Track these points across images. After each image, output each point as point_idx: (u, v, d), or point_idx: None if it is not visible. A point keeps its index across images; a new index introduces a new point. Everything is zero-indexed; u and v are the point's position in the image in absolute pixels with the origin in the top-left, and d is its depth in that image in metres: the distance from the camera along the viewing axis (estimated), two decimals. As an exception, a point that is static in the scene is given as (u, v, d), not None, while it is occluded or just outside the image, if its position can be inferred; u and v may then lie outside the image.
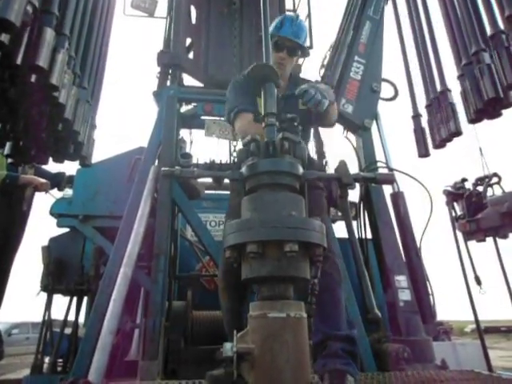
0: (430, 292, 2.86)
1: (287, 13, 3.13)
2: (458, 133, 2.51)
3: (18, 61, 1.40)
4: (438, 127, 2.63)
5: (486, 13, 2.11)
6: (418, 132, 2.98)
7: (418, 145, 2.96)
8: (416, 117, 3.05)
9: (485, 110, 2.17)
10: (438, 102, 2.65)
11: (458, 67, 2.37)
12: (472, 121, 2.30)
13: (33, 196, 3.31)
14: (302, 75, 2.94)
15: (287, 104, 2.08)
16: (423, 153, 2.92)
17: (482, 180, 3.30)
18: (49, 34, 1.50)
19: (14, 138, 1.93)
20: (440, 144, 2.67)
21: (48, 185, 3.19)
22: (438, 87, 2.69)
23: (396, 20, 3.42)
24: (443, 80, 2.66)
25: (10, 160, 2.40)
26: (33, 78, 1.53)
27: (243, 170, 1.25)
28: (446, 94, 2.61)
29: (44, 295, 2.99)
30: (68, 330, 2.94)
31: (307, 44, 2.45)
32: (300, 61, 3.50)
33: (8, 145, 2.01)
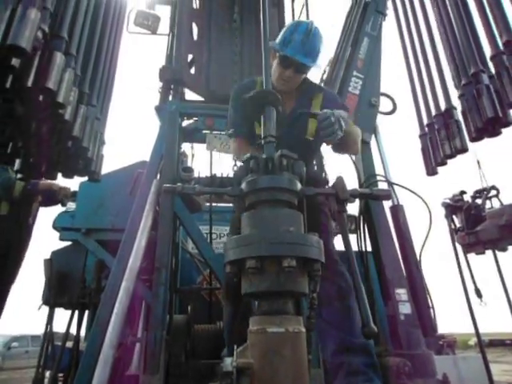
0: (431, 305, 2.86)
1: (301, 20, 2.55)
2: (463, 150, 2.54)
3: (29, 83, 1.46)
4: (442, 143, 2.67)
5: (486, 34, 2.17)
6: (426, 151, 2.99)
7: (425, 164, 2.98)
8: (423, 136, 3.06)
9: (485, 128, 2.22)
10: (443, 118, 2.68)
11: (459, 87, 2.43)
12: (473, 139, 2.35)
13: (38, 209, 3.34)
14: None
15: (297, 120, 1.98)
16: (431, 172, 2.94)
17: (481, 193, 3.33)
18: (59, 57, 1.57)
19: (24, 154, 1.98)
20: (443, 161, 2.70)
21: (69, 190, 3.19)
22: (442, 105, 2.73)
23: (400, 38, 3.48)
24: (448, 98, 2.69)
25: (19, 175, 2.44)
26: (40, 97, 1.59)
27: (243, 186, 1.29)
28: (451, 112, 2.64)
29: (45, 308, 3.00)
30: (69, 344, 2.94)
31: (320, 57, 2.06)
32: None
33: (18, 161, 2.07)
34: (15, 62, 1.37)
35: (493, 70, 2.10)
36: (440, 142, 2.70)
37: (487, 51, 2.17)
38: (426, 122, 2.92)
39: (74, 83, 1.78)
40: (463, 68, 2.34)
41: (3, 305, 3.12)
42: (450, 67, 2.49)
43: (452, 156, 2.62)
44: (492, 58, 2.10)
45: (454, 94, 2.62)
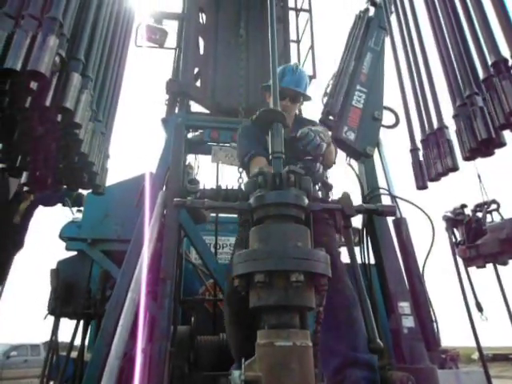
0: (434, 319, 2.86)
1: (287, 64, 3.00)
2: (454, 168, 2.58)
3: (47, 103, 1.52)
4: (434, 161, 2.71)
5: (477, 56, 2.22)
6: (416, 165, 3.04)
7: (415, 177, 3.03)
8: (414, 150, 3.11)
9: (479, 149, 2.26)
10: (436, 137, 2.73)
11: (454, 107, 2.48)
12: (466, 158, 2.39)
13: (31, 209, 3.35)
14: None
15: (292, 145, 2.15)
16: (421, 185, 2.98)
17: (481, 206, 3.35)
18: (76, 78, 1.63)
19: (32, 168, 2.03)
20: (436, 178, 2.74)
21: None
22: (435, 123, 2.78)
23: (394, 57, 3.55)
24: (440, 117, 2.74)
25: (25, 188, 2.48)
26: (58, 117, 1.65)
27: (251, 201, 1.32)
28: (443, 131, 2.69)
29: (49, 318, 3.01)
30: (74, 354, 2.95)
31: (308, 91, 2.63)
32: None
33: (25, 174, 2.11)
34: (33, 85, 1.44)
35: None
36: (432, 160, 2.74)
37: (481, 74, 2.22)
38: (420, 137, 2.97)
39: (89, 104, 1.84)
40: (458, 89, 2.39)
41: None
42: (447, 87, 2.55)
43: (444, 174, 2.65)
44: (484, 81, 2.16)
45: (447, 112, 2.68)
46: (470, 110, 2.25)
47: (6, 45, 1.43)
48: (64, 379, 2.79)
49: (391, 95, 3.73)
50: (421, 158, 3.01)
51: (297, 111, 2.55)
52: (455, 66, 2.44)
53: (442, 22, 2.63)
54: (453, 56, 2.48)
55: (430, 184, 2.91)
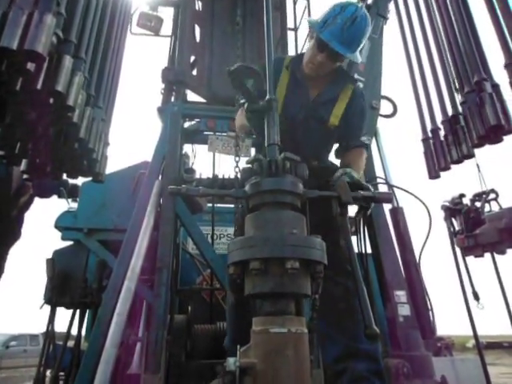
0: (430, 307, 2.88)
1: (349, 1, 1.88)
2: (469, 155, 2.56)
3: (39, 86, 1.48)
4: (449, 149, 2.69)
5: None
6: (428, 155, 3.01)
7: (428, 167, 3.00)
8: (426, 140, 3.08)
9: (487, 136, 2.24)
10: (450, 124, 2.70)
11: (461, 94, 2.46)
12: (475, 146, 2.37)
13: (29, 203, 3.34)
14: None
15: (321, 107, 1.92)
16: (434, 175, 2.96)
17: (480, 196, 3.35)
18: (68, 60, 1.59)
19: (31, 155, 2.01)
20: (447, 166, 2.72)
21: None
22: (449, 110, 2.74)
23: (403, 44, 3.50)
24: (455, 104, 2.70)
25: (25, 176, 2.46)
26: (50, 100, 1.61)
27: (247, 188, 1.31)
28: (458, 118, 2.66)
29: (46, 308, 3.01)
30: (70, 343, 2.95)
31: (358, 53, 1.84)
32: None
33: (24, 161, 2.09)
34: (30, 66, 1.40)
35: (496, 79, 2.13)
36: (447, 147, 2.71)
37: (491, 60, 2.19)
38: (429, 127, 2.94)
39: (82, 87, 1.81)
40: (466, 76, 2.36)
41: None
42: (455, 73, 2.52)
43: (459, 161, 2.64)
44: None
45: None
46: (479, 96, 2.22)
47: (1, 23, 1.37)
48: (61, 368, 2.80)
49: (388, 84, 3.70)
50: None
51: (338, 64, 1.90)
52: (463, 51, 2.40)
53: (450, 7, 2.59)
54: (460, 41, 2.44)
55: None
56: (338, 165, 2.06)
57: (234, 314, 1.98)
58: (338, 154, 2.15)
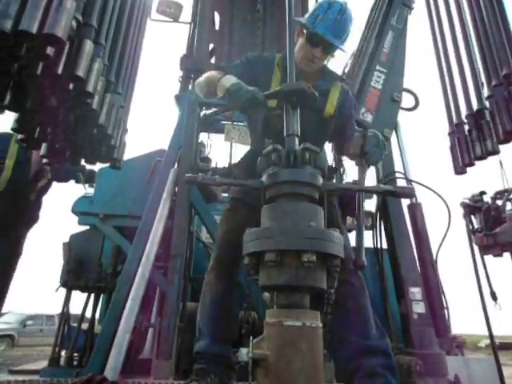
0: (445, 305, 2.83)
1: None
2: (494, 152, 2.48)
3: (59, 70, 1.47)
4: (473, 144, 2.60)
5: None
6: (455, 149, 2.93)
7: (454, 162, 2.92)
8: (452, 133, 2.99)
9: None
10: (474, 119, 2.61)
11: (488, 87, 2.36)
12: (501, 142, 2.28)
13: (46, 187, 3.40)
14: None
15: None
16: (460, 170, 2.88)
17: (502, 194, 3.24)
18: (88, 45, 1.58)
19: (50, 140, 2.02)
20: (471, 162, 2.64)
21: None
22: (475, 105, 2.64)
23: (432, 33, 3.39)
24: (480, 98, 2.61)
25: (44, 161, 2.49)
26: (70, 86, 1.60)
27: (264, 178, 1.28)
28: (483, 112, 2.57)
29: (62, 290, 3.07)
30: (84, 326, 3.01)
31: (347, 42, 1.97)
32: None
33: (44, 146, 2.11)
34: (50, 50, 1.38)
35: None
36: (471, 142, 2.62)
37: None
38: (455, 120, 2.85)
39: (101, 73, 1.79)
40: (494, 68, 2.26)
41: (9, 280, 3.21)
42: (482, 67, 2.41)
43: (482, 158, 2.55)
44: None
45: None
46: (508, 90, 2.13)
47: (21, 6, 1.35)
48: (75, 349, 2.87)
49: (411, 77, 3.60)
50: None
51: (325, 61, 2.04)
52: (492, 43, 2.30)
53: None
54: (490, 33, 2.34)
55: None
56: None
57: (218, 307, 1.86)
58: (338, 150, 2.13)
